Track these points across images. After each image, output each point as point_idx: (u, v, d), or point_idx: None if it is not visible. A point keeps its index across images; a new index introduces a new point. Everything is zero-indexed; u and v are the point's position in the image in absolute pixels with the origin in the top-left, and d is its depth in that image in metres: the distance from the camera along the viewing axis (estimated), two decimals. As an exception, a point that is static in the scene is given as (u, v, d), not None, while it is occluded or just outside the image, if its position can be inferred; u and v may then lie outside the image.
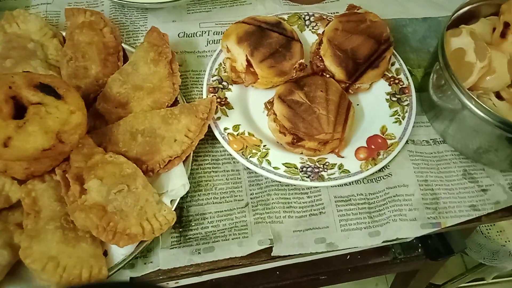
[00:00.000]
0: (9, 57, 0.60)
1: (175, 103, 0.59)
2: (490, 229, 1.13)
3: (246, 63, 0.60)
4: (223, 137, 0.57)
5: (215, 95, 0.60)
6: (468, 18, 0.61)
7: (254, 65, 0.59)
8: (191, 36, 0.68)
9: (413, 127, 0.59)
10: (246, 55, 0.59)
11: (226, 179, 0.57)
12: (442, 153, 0.59)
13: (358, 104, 0.62)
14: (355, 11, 0.64)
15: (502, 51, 0.57)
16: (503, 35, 0.58)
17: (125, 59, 0.63)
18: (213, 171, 0.57)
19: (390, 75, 0.62)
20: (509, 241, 1.12)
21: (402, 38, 0.68)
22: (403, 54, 0.65)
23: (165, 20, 0.69)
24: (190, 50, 0.67)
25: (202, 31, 0.69)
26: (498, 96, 0.57)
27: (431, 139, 0.60)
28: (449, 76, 0.53)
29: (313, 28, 0.66)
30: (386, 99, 0.61)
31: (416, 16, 0.70)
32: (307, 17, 0.67)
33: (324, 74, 0.61)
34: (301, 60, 0.60)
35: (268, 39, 0.60)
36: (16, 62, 0.60)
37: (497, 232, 1.13)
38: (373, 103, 0.62)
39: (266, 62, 0.59)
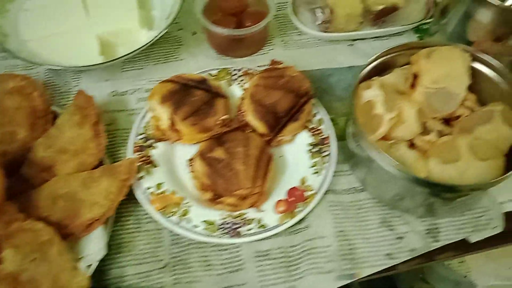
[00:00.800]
0: None
1: (101, 163, 0.61)
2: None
3: (170, 122, 0.62)
4: (144, 197, 0.58)
5: (141, 153, 0.62)
6: (383, 68, 0.63)
7: (178, 123, 0.61)
8: (123, 95, 0.70)
9: (334, 176, 0.61)
10: (170, 114, 0.61)
11: (148, 239, 0.58)
12: (362, 201, 0.60)
13: (281, 156, 0.64)
14: (276, 66, 0.66)
15: (413, 101, 0.59)
16: (412, 85, 0.60)
17: (56, 121, 0.65)
18: (135, 231, 0.58)
19: (312, 126, 0.64)
20: (470, 272, 1.12)
21: (327, 87, 0.70)
22: (328, 104, 0.67)
23: (98, 80, 0.72)
24: (121, 109, 0.69)
25: (134, 89, 0.71)
26: (412, 144, 0.59)
27: (352, 188, 0.61)
28: (358, 129, 0.55)
29: (240, 83, 0.69)
30: (307, 150, 0.63)
31: (341, 66, 0.73)
32: (234, 72, 0.69)
33: (247, 128, 0.63)
34: (224, 116, 0.62)
35: (191, 97, 0.62)
36: None
37: (458, 263, 1.13)
38: (296, 154, 0.63)
39: (188, 120, 0.61)
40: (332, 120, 0.65)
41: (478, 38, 0.61)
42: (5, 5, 0.74)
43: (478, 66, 0.60)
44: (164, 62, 0.74)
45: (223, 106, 0.63)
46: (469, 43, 0.62)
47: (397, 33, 0.76)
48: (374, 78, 0.61)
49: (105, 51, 0.71)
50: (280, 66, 0.66)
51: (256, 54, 0.75)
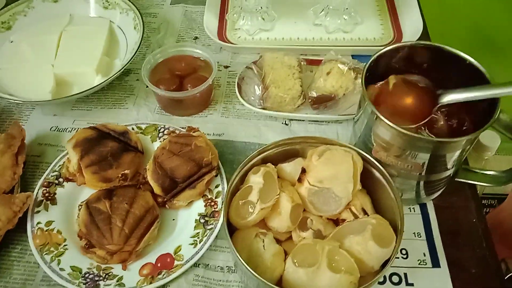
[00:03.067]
0: None
1: (12, 191, 0.66)
2: None
3: (78, 166, 0.66)
4: (32, 230, 0.63)
5: (47, 189, 0.67)
6: (292, 155, 0.64)
7: (82, 169, 0.66)
8: (61, 131, 0.76)
9: (213, 251, 0.62)
10: (77, 159, 0.66)
11: (25, 270, 0.61)
12: (230, 283, 0.60)
13: (174, 219, 0.66)
14: (191, 133, 0.69)
15: (297, 196, 0.59)
16: (299, 180, 0.60)
17: None
18: (16, 260, 0.62)
19: (209, 197, 0.66)
20: None
21: (246, 161, 0.72)
22: (239, 177, 0.69)
23: (47, 113, 0.79)
24: (54, 144, 0.74)
25: (73, 128, 0.77)
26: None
27: (226, 266, 0.62)
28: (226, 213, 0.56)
29: (162, 141, 0.72)
30: (195, 219, 0.64)
31: (267, 142, 0.73)
32: (161, 129, 0.73)
33: (148, 186, 0.66)
34: (125, 171, 0.66)
35: (101, 147, 0.67)
36: None
37: None
38: (186, 221, 0.65)
39: (91, 168, 0.65)
40: (236, 194, 0.66)
41: (376, 147, 0.60)
42: (-7, 34, 0.84)
43: (374, 172, 0.59)
44: (110, 108, 0.80)
45: (130, 160, 0.67)
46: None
47: (336, 120, 0.76)
48: (268, 164, 0.62)
49: (60, 89, 0.78)
50: (194, 133, 0.68)
51: (195, 115, 0.78)
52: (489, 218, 1.02)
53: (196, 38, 0.91)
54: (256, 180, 0.59)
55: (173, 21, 0.94)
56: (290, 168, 0.62)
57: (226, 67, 0.85)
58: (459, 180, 0.64)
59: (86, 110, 0.79)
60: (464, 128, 0.61)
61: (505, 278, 0.86)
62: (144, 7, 0.96)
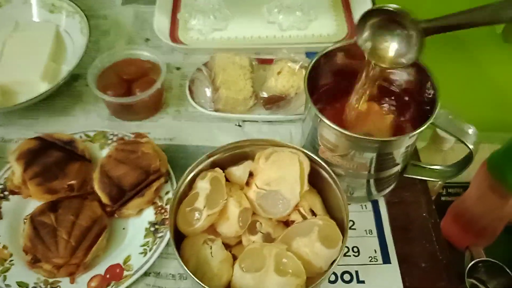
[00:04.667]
0: None
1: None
2: None
3: (22, 179, 0.64)
4: (-24, 247, 0.61)
5: (-9, 204, 0.65)
6: (242, 158, 0.63)
7: (26, 181, 0.64)
8: (7, 142, 0.74)
9: (165, 259, 0.61)
10: (21, 171, 0.64)
11: (-32, 288, 0.60)
12: (182, 290, 0.59)
13: (124, 228, 0.65)
14: (138, 139, 0.67)
15: (245, 199, 0.58)
16: (247, 183, 0.59)
17: None
18: (-41, 279, 0.60)
19: (159, 204, 0.65)
20: None
21: (198, 165, 0.71)
22: (191, 182, 0.68)
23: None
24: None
25: (19, 139, 0.74)
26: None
27: (178, 274, 0.61)
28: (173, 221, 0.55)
29: (112, 148, 0.70)
30: (145, 228, 0.63)
31: (218, 145, 0.72)
32: (111, 136, 0.71)
33: (95, 196, 0.64)
34: (71, 182, 0.64)
35: (45, 158, 0.65)
36: None
37: None
38: (137, 230, 0.64)
39: (35, 180, 0.63)
40: (185, 200, 0.65)
41: (322, 147, 0.60)
42: None
43: (322, 172, 0.59)
44: (59, 116, 0.77)
45: (76, 170, 0.65)
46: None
47: (290, 120, 0.76)
48: (216, 169, 0.61)
49: (5, 98, 0.76)
50: (142, 140, 0.67)
51: (147, 120, 0.77)
52: (454, 206, 1.04)
53: (147, 40, 0.89)
54: (202, 186, 0.58)
55: (124, 22, 0.92)
56: (240, 172, 0.61)
57: (178, 68, 0.84)
58: (408, 176, 0.64)
59: (33, 119, 0.77)
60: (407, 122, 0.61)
61: (469, 265, 0.88)
62: (94, 9, 0.93)
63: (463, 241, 0.98)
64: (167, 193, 0.66)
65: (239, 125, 0.76)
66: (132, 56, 0.79)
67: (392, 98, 0.64)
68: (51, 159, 0.65)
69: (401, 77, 0.63)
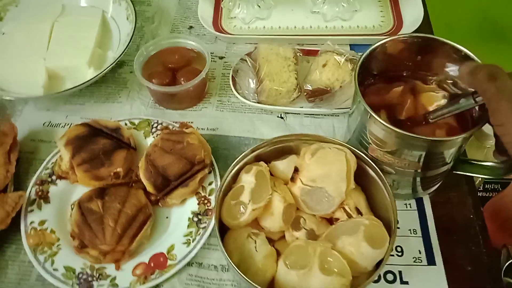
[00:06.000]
0: None
1: (6, 189, 0.66)
2: None
3: (70, 164, 0.66)
4: (25, 230, 0.62)
5: (40, 187, 0.66)
6: (286, 151, 0.63)
7: (74, 167, 0.65)
8: (55, 126, 0.75)
9: (206, 249, 0.62)
10: (69, 157, 0.65)
11: (19, 270, 0.62)
12: (223, 282, 0.60)
13: (167, 217, 0.65)
14: (183, 129, 0.68)
15: (290, 195, 0.58)
16: (292, 179, 0.59)
17: None
18: (11, 260, 0.62)
19: (203, 195, 0.65)
20: None
21: (240, 157, 0.71)
22: (234, 173, 0.68)
23: (41, 108, 0.78)
24: (47, 140, 0.74)
25: (66, 123, 0.76)
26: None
27: (220, 265, 0.61)
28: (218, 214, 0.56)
29: (156, 136, 0.71)
30: (188, 217, 0.64)
31: (261, 137, 0.73)
32: (155, 125, 0.72)
33: (140, 184, 0.65)
34: (117, 169, 0.65)
35: (93, 145, 0.66)
36: None
37: None
38: (180, 219, 0.64)
39: (83, 166, 0.65)
40: (230, 191, 0.65)
41: (371, 144, 0.59)
42: (-16, 25, 0.83)
43: (369, 171, 0.58)
44: (104, 102, 0.78)
45: (123, 157, 0.66)
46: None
47: (333, 113, 0.74)
48: (260, 163, 0.61)
49: (52, 83, 0.77)
50: (187, 130, 0.67)
51: (190, 109, 0.77)
52: (492, 203, 1.01)
53: (191, 27, 0.89)
54: (248, 179, 0.58)
55: (167, 9, 0.92)
56: (283, 166, 0.61)
57: (221, 58, 0.84)
58: (457, 172, 0.62)
59: (80, 105, 0.78)
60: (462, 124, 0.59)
61: (506, 264, 0.86)
62: (138, -5, 0.94)
63: (500, 239, 0.96)
64: (210, 183, 0.66)
65: (281, 117, 0.75)
66: (176, 45, 0.79)
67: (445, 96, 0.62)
68: (98, 146, 0.66)
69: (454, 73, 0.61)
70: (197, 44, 0.77)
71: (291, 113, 0.75)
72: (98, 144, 0.66)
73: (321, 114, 0.75)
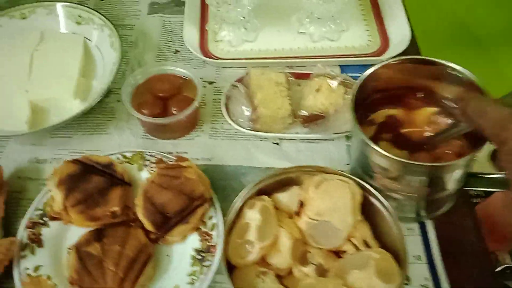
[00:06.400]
0: None
1: (-6, 234, 0.63)
2: None
3: (63, 205, 0.63)
4: (20, 278, 0.59)
5: (32, 231, 0.63)
6: (287, 183, 0.62)
7: (68, 208, 0.62)
8: (41, 163, 0.72)
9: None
10: (62, 198, 0.63)
11: (13, 319, 0.59)
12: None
13: (167, 255, 0.63)
14: (180, 163, 0.66)
15: (296, 229, 0.57)
16: (298, 213, 0.58)
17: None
18: (4, 309, 0.59)
19: (204, 230, 0.64)
20: None
21: (238, 187, 0.68)
22: (233, 205, 0.67)
23: (25, 143, 0.74)
24: (34, 177, 0.71)
25: (53, 159, 0.73)
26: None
27: (225, 303, 0.60)
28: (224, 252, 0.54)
29: (151, 170, 0.69)
30: (191, 255, 0.62)
31: (259, 165, 0.72)
32: (148, 158, 0.70)
33: (138, 221, 0.63)
34: (114, 208, 0.63)
35: (86, 184, 0.63)
36: None
37: None
38: (182, 257, 0.62)
39: (77, 207, 0.62)
40: (230, 224, 0.64)
41: (373, 171, 0.59)
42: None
43: (374, 201, 0.58)
44: (92, 134, 0.76)
45: (118, 196, 0.64)
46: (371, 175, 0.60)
47: (328, 138, 0.74)
48: (263, 197, 0.60)
49: (36, 117, 0.74)
50: (183, 163, 0.65)
51: (182, 138, 0.75)
52: (478, 210, 1.03)
53: (177, 51, 0.87)
54: (252, 216, 0.57)
55: (151, 33, 0.90)
56: (286, 198, 0.60)
57: (211, 83, 0.82)
58: (469, 188, 0.62)
59: (66, 138, 0.75)
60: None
61: (495, 270, 0.87)
62: (119, 18, 0.91)
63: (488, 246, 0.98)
64: (210, 217, 0.64)
65: (277, 143, 0.75)
66: (165, 72, 0.77)
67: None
68: (92, 185, 0.63)
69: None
70: (187, 71, 0.76)
71: (286, 139, 0.74)
72: (91, 182, 0.64)
73: (317, 139, 0.74)
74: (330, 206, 0.56)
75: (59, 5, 0.85)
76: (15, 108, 0.74)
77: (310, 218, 0.57)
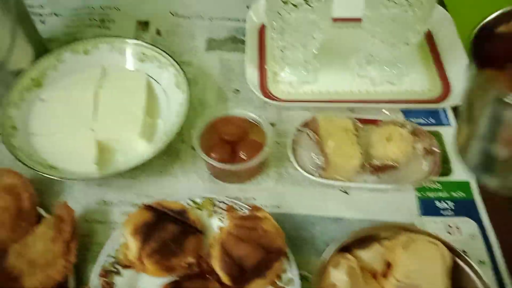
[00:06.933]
0: None
1: (66, 280, 0.62)
2: None
3: (138, 254, 0.62)
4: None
5: (105, 280, 0.62)
6: (365, 240, 0.61)
7: (143, 257, 0.61)
8: (108, 205, 0.71)
9: None
10: (138, 247, 0.62)
11: None
12: None
13: (243, 309, 0.62)
14: (255, 213, 0.65)
15: (383, 290, 0.56)
16: (384, 274, 0.57)
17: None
18: None
19: (280, 285, 0.62)
20: None
21: (308, 237, 0.68)
22: (304, 256, 0.65)
23: (91, 184, 0.73)
24: (102, 220, 0.70)
25: (120, 201, 0.72)
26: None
27: None
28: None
29: (220, 217, 0.68)
30: (267, 311, 0.61)
31: (328, 215, 0.71)
32: (218, 204, 0.69)
33: (212, 273, 0.62)
34: (190, 260, 0.62)
35: (161, 232, 0.63)
36: None
37: None
38: (257, 311, 0.61)
39: (153, 257, 0.61)
40: (305, 277, 0.63)
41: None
42: (23, 94, 0.78)
43: (462, 264, 0.57)
44: (158, 176, 0.75)
45: (193, 245, 0.63)
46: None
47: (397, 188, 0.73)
48: (347, 255, 0.59)
49: (102, 156, 0.73)
50: (259, 214, 0.65)
51: (249, 183, 0.74)
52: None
53: (237, 91, 0.87)
54: (339, 277, 0.56)
55: (210, 70, 0.89)
56: (369, 257, 0.59)
57: (273, 125, 0.81)
58: None
59: (132, 179, 0.74)
60: None
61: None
62: (177, 55, 0.91)
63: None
64: (284, 271, 0.63)
65: (345, 192, 0.74)
66: (231, 114, 0.76)
67: None
68: (167, 234, 0.63)
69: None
70: (255, 115, 0.75)
71: (355, 187, 0.74)
72: (166, 231, 0.63)
73: (386, 189, 0.74)
74: (420, 269, 0.55)
75: (121, 41, 0.84)
76: (81, 147, 0.73)
77: (399, 281, 0.56)
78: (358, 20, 0.81)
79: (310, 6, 0.70)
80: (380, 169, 0.72)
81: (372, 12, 0.75)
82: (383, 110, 0.76)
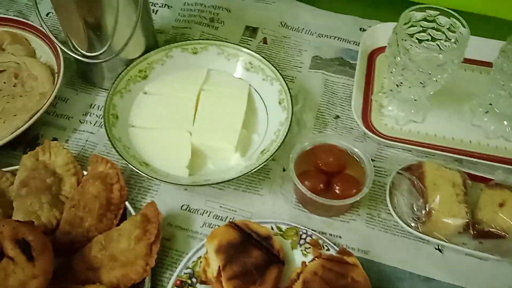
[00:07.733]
0: (27, 185, 0.67)
1: (143, 281, 0.61)
2: None
3: (218, 273, 0.60)
4: None
5: (178, 291, 0.61)
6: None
7: (223, 279, 0.59)
8: (193, 212, 0.70)
9: None
10: (220, 267, 0.60)
11: None
12: None
13: None
14: (344, 257, 0.61)
15: None
16: None
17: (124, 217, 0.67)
18: None
19: (357, 338, 0.58)
20: None
21: (394, 292, 0.64)
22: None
23: (179, 186, 0.72)
24: (185, 227, 0.69)
25: (205, 210, 0.70)
26: None
27: None
28: None
29: (305, 250, 0.65)
30: None
31: (417, 272, 0.65)
32: (303, 235, 0.66)
33: (290, 311, 0.59)
34: (270, 291, 0.59)
35: (246, 257, 0.60)
36: (30, 192, 0.67)
37: None
38: None
39: (233, 281, 0.59)
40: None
41: None
42: (129, 84, 0.79)
43: None
44: (244, 191, 0.73)
45: (274, 276, 0.60)
46: None
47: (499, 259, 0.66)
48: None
49: (194, 161, 0.72)
50: (349, 260, 0.61)
51: (336, 218, 0.71)
52: None
53: (337, 117, 0.83)
54: None
55: (312, 90, 0.86)
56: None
57: (372, 160, 0.77)
58: None
59: (218, 189, 0.73)
60: None
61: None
62: (281, 68, 0.88)
63: None
64: (367, 326, 0.59)
65: (439, 250, 0.68)
66: (330, 142, 0.72)
67: None
68: (251, 260, 0.60)
69: None
70: (357, 150, 0.71)
71: (452, 248, 0.68)
72: (251, 256, 0.61)
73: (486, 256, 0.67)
74: None
75: (233, 47, 0.83)
76: (175, 148, 0.73)
77: None
78: (488, 64, 0.74)
79: (441, 49, 0.65)
80: (483, 235, 0.66)
81: (508, 64, 0.68)
82: (499, 171, 0.70)
